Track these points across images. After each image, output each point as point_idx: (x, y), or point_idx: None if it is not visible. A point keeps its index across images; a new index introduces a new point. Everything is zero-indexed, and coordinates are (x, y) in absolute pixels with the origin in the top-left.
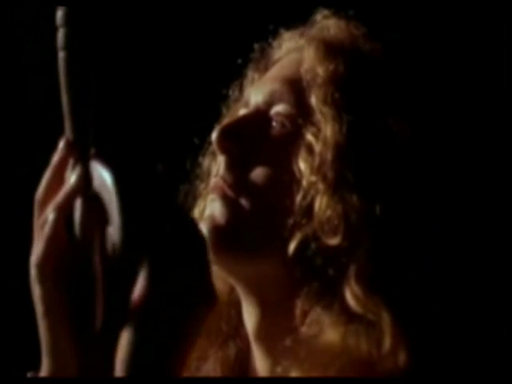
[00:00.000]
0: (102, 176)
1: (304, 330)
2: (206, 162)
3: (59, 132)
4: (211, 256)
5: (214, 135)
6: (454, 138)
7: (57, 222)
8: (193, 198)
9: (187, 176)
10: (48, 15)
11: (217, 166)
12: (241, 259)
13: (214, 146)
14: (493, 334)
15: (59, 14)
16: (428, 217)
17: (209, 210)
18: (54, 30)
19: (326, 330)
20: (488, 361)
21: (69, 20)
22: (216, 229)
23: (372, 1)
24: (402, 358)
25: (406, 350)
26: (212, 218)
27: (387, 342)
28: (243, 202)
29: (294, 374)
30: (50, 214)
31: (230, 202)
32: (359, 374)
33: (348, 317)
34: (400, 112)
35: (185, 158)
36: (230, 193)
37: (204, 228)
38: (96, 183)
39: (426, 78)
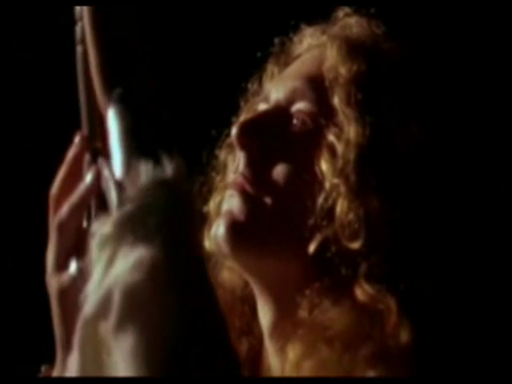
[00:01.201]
0: (107, 179)
1: (311, 320)
2: (222, 154)
3: (75, 127)
4: (228, 251)
5: (234, 131)
6: (478, 140)
7: (74, 224)
8: (208, 190)
9: (203, 168)
10: (67, 10)
11: (234, 159)
12: (258, 256)
13: (234, 142)
14: (495, 339)
15: (77, 8)
16: (448, 222)
17: (227, 205)
18: (73, 24)
19: (333, 318)
20: (489, 355)
21: None
22: (235, 224)
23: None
24: (404, 338)
25: (409, 331)
26: (230, 214)
27: (390, 323)
28: (263, 198)
29: (303, 358)
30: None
31: (249, 199)
32: (360, 346)
33: (356, 309)
34: (423, 115)
35: (202, 150)
36: (249, 189)
37: (222, 223)
38: (103, 184)
39: (448, 80)
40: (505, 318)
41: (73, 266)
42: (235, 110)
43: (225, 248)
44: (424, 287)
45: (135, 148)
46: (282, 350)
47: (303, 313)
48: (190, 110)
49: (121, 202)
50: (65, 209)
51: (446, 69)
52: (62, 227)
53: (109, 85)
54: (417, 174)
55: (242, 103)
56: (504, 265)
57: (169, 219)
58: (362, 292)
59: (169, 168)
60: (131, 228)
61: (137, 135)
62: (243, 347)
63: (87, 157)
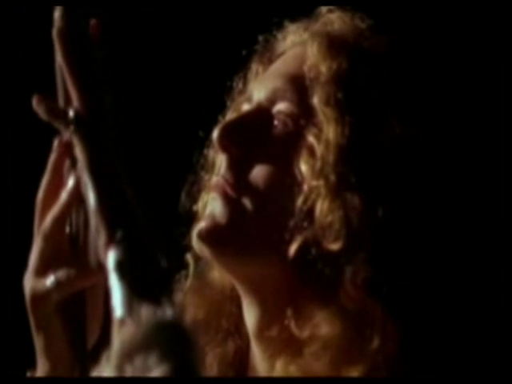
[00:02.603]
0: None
1: (298, 328)
2: (210, 153)
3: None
4: (210, 255)
5: (215, 134)
6: (459, 139)
7: (57, 233)
8: (197, 189)
9: (193, 167)
10: (48, 13)
11: (221, 160)
12: (240, 260)
13: (215, 145)
14: (488, 333)
15: (56, 14)
16: (430, 221)
17: (209, 208)
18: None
19: (320, 327)
20: (481, 361)
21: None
22: (216, 228)
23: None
24: (391, 351)
25: (396, 344)
26: (212, 217)
27: (377, 336)
28: (244, 201)
29: (291, 370)
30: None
31: (231, 202)
32: (350, 365)
33: (342, 316)
34: (404, 114)
35: (191, 150)
36: (231, 192)
37: (204, 226)
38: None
39: (429, 79)
40: (495, 320)
41: (51, 279)
42: (222, 110)
43: (206, 251)
44: (409, 291)
45: (137, 291)
46: (268, 355)
47: (289, 321)
48: (178, 112)
49: (121, 340)
50: (48, 220)
51: (429, 67)
52: (46, 237)
53: (111, 227)
54: (399, 174)
55: (227, 102)
56: (494, 265)
57: (170, 355)
58: (348, 298)
59: (169, 310)
60: (132, 363)
61: (138, 278)
62: (230, 348)
63: (67, 162)
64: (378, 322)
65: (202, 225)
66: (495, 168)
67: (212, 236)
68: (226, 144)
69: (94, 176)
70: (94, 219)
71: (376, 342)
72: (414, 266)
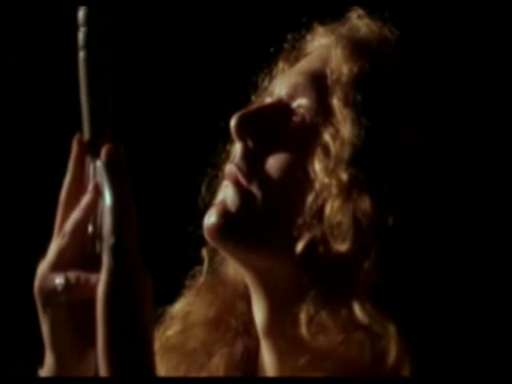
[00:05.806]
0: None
1: (309, 334)
2: (232, 148)
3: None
4: (216, 241)
5: (233, 121)
6: (478, 146)
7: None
8: (217, 183)
9: (214, 161)
10: (69, 15)
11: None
12: (246, 249)
13: (232, 132)
14: (501, 349)
15: (80, 13)
16: (441, 228)
17: (221, 195)
18: (75, 29)
19: (330, 336)
20: (494, 377)
21: (89, 19)
22: (226, 215)
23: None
24: (405, 373)
25: (410, 364)
26: (223, 204)
27: (391, 356)
28: (255, 191)
29: (300, 372)
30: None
31: (242, 191)
32: (360, 373)
33: (353, 325)
34: (420, 122)
35: (214, 144)
36: (243, 181)
37: (213, 213)
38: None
39: (450, 88)
40: (508, 324)
41: (61, 279)
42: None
43: (213, 237)
44: (420, 299)
45: None
46: (277, 355)
47: (298, 321)
48: (203, 106)
49: None
50: (70, 223)
51: (449, 77)
52: (66, 238)
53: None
54: (412, 180)
55: (253, 98)
56: (507, 271)
57: None
58: (360, 306)
59: None
60: None
61: None
62: (238, 349)
63: (88, 159)
64: (392, 339)
65: (212, 210)
66: None
67: (220, 222)
68: (242, 133)
69: (109, 331)
70: None
71: (389, 361)
72: (426, 276)
